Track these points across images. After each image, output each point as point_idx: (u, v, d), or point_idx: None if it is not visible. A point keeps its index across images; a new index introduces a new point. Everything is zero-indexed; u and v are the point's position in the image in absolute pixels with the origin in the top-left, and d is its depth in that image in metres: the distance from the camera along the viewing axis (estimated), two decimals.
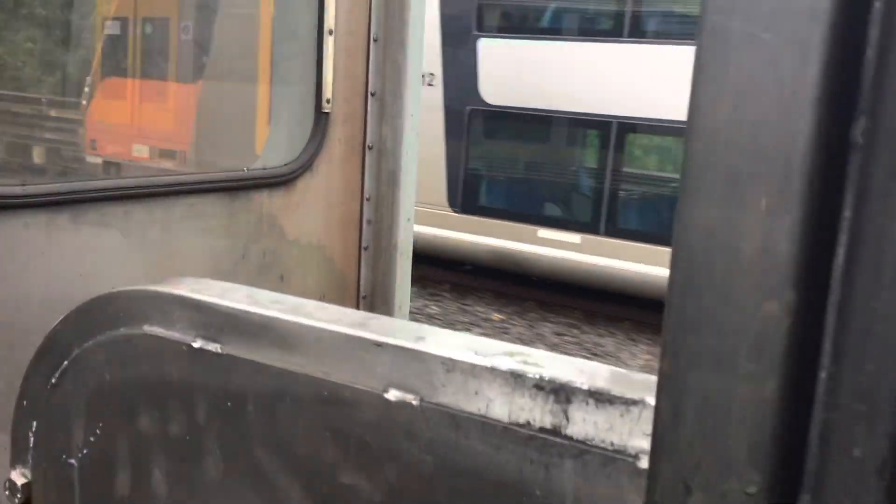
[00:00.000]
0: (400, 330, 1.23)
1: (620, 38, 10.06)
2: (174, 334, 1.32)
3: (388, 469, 1.17)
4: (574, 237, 10.30)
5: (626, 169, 10.25)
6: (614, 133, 10.05)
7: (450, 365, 1.13)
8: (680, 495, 0.76)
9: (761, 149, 0.64)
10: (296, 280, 3.26)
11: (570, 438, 1.06)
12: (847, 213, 0.62)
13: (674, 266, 0.72)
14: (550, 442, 1.07)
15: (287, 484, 1.24)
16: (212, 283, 1.40)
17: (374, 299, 3.50)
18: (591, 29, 10.91)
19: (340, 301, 3.41)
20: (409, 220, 3.53)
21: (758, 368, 0.67)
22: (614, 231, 10.04)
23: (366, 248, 3.52)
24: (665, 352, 0.76)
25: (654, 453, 0.79)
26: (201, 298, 1.31)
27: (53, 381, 1.43)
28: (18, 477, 1.49)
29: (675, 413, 0.76)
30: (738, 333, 0.67)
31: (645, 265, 9.40)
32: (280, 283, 3.24)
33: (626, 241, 9.85)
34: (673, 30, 9.98)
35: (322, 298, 3.40)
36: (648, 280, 9.10)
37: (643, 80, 9.60)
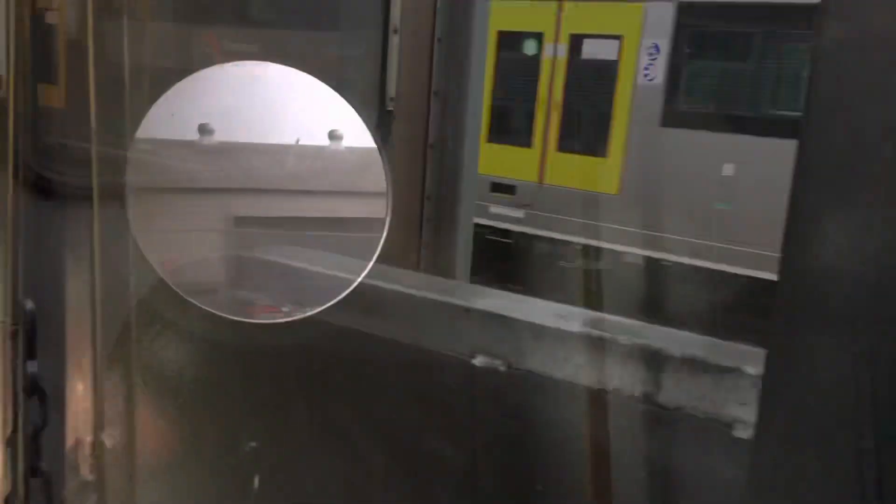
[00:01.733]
0: (488, 296, 1.24)
1: None
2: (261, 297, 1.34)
3: (473, 433, 1.17)
4: None
5: None
6: None
7: (538, 331, 1.14)
8: None
9: None
10: None
11: (662, 406, 1.05)
12: None
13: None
14: (641, 409, 1.06)
15: (369, 447, 1.26)
16: (300, 250, 1.42)
17: None
18: None
19: None
20: (468, 220, 3.52)
21: None
22: None
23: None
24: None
25: None
26: (291, 264, 1.33)
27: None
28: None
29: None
30: None
31: None
32: None
33: None
34: None
35: None
36: None
37: None
